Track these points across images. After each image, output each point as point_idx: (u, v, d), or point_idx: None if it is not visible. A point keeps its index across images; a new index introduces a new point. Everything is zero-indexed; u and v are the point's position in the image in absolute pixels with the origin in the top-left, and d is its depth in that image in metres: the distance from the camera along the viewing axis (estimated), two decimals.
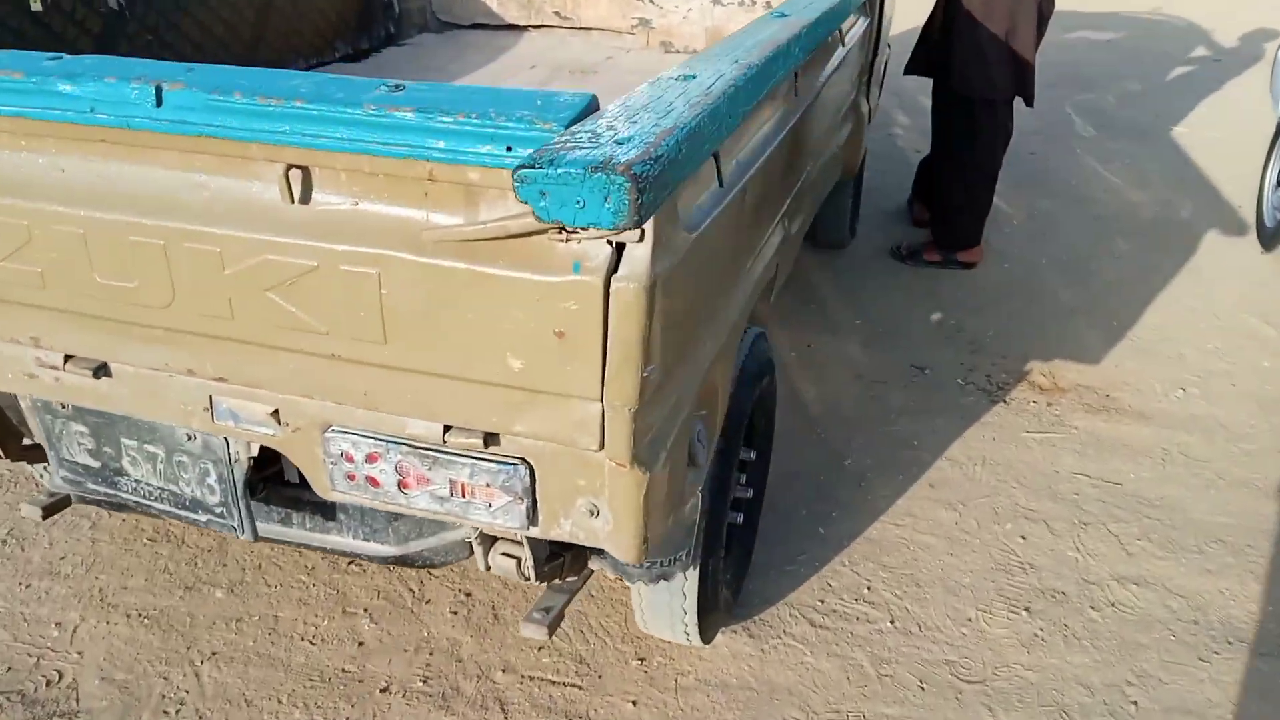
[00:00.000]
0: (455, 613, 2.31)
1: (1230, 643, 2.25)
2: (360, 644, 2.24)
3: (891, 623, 2.30)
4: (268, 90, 1.08)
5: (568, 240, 1.08)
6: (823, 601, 2.36)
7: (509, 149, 1.00)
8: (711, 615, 2.02)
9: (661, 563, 1.77)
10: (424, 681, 2.14)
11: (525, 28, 3.58)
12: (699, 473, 1.59)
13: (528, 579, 1.64)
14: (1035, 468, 2.82)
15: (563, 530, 1.32)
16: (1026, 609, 2.35)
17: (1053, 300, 3.78)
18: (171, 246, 1.24)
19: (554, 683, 2.14)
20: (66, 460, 1.68)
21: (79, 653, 2.22)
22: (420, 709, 2.07)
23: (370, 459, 1.33)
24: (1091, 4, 8.53)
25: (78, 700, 2.11)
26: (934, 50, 3.68)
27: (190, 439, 1.53)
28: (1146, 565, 2.47)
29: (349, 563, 2.42)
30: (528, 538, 1.57)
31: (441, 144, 1.03)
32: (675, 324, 1.21)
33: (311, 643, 2.24)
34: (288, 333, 1.24)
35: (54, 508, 1.95)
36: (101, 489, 1.68)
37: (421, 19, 3.63)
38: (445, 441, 1.27)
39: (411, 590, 2.35)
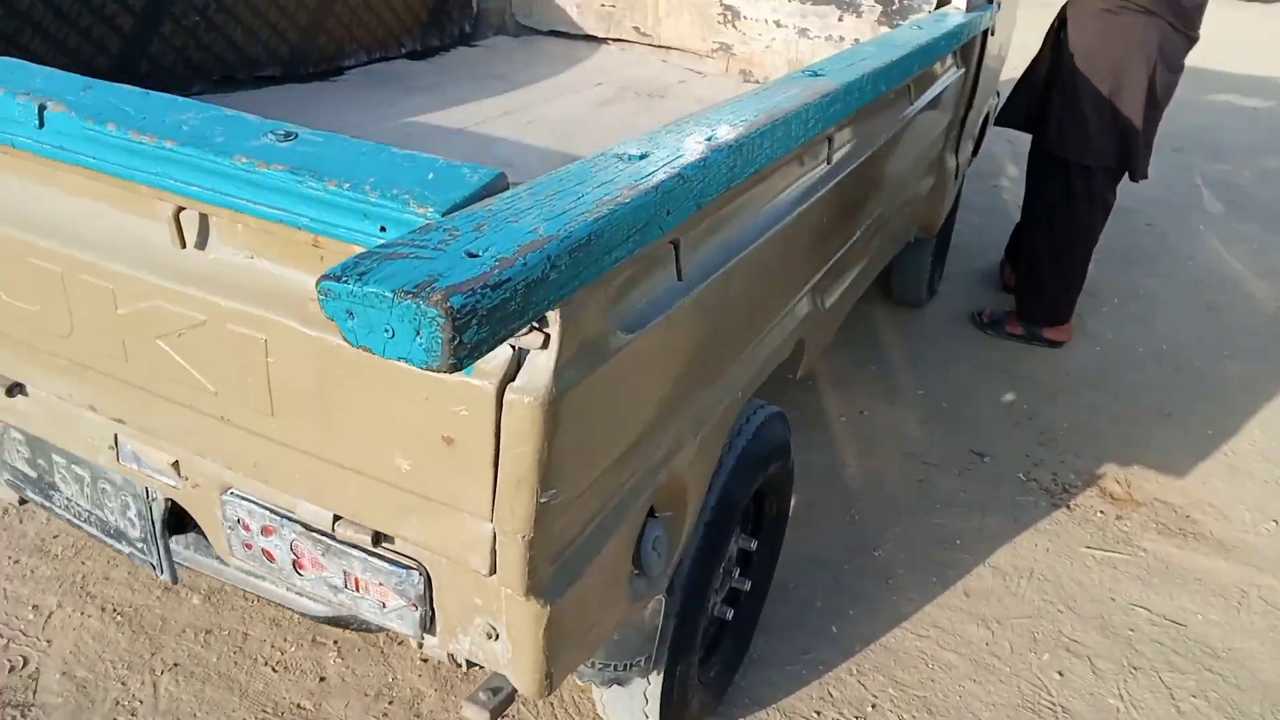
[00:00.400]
0: (425, 660, 2.18)
1: None
2: (322, 679, 2.13)
3: None
4: (146, 125, 0.95)
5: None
6: (818, 714, 2.13)
7: (383, 229, 0.84)
8: (684, 716, 1.82)
9: (615, 666, 1.59)
10: None
11: (603, 40, 3.43)
12: (652, 582, 1.40)
13: (458, 665, 1.48)
14: (1089, 591, 2.53)
15: (461, 647, 1.16)
16: None
17: (1143, 396, 3.44)
18: (68, 276, 1.12)
19: None
20: (8, 464, 1.60)
21: (48, 641, 2.16)
22: None
23: (265, 532, 1.19)
24: (1240, 65, 7.93)
25: (35, 693, 2.05)
26: (1032, 103, 3.39)
27: (121, 479, 1.43)
28: None
29: None
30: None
31: (309, 214, 0.88)
32: (598, 437, 1.04)
33: (274, 669, 2.14)
34: (180, 385, 1.11)
35: (25, 499, 1.89)
36: (39, 499, 1.60)
37: (499, 20, 3.52)
38: (334, 531, 1.12)
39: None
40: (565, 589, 1.08)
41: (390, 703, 2.08)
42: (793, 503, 2.63)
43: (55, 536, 2.44)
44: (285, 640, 2.21)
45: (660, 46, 3.33)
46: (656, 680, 1.68)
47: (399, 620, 1.16)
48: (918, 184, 2.76)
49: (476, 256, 0.68)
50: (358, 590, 1.17)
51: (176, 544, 1.47)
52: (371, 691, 2.10)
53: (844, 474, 2.90)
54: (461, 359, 0.66)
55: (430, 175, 0.88)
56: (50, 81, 1.04)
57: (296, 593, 1.47)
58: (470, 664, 1.46)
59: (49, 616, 2.22)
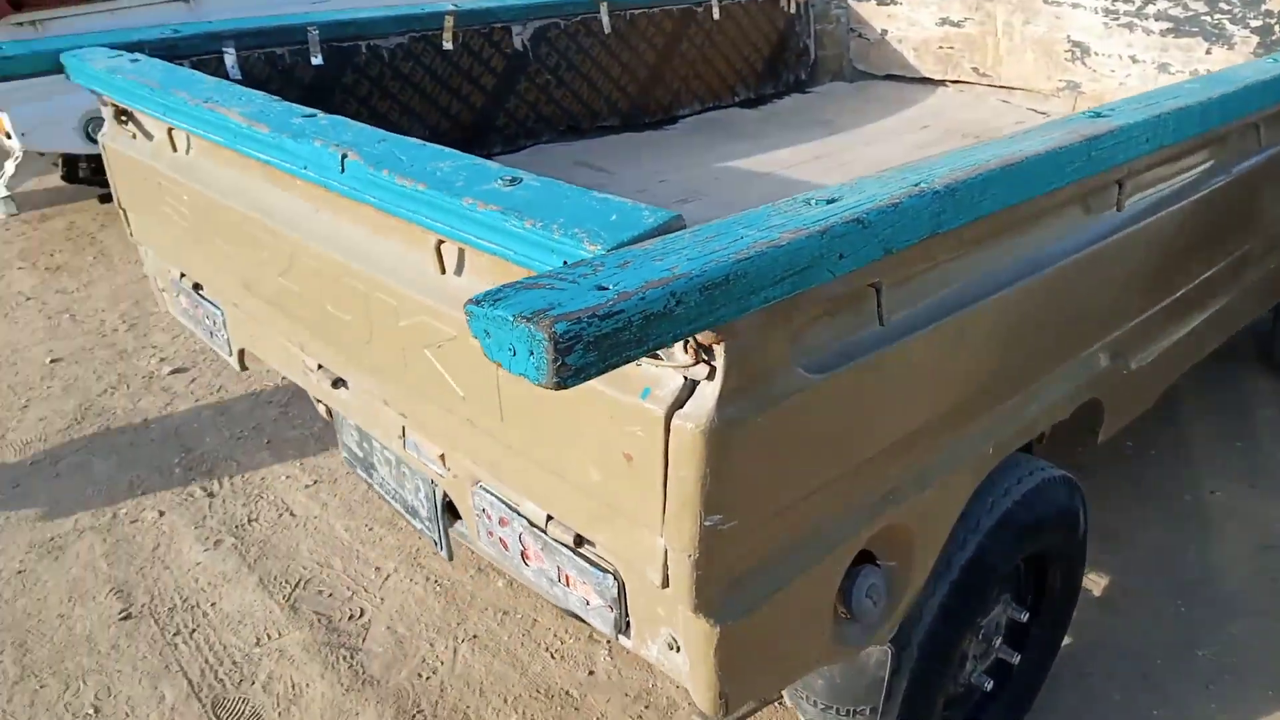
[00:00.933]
0: None
1: None
2: (591, 673, 2.30)
3: None
4: (410, 171, 1.14)
5: (651, 363, 1.01)
6: None
7: (565, 263, 0.95)
8: None
9: (838, 710, 1.58)
10: None
11: (941, 82, 3.35)
12: (867, 630, 1.38)
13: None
14: None
15: (651, 654, 1.23)
16: None
17: None
18: (369, 293, 1.37)
19: None
20: (345, 446, 1.95)
21: (381, 599, 2.56)
22: None
23: (502, 523, 1.35)
24: None
25: (364, 640, 2.44)
26: None
27: (413, 472, 1.69)
28: None
29: None
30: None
31: (514, 249, 1.01)
32: (778, 471, 1.06)
33: (553, 656, 2.36)
34: (441, 389, 1.31)
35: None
36: (364, 475, 1.93)
37: (836, 66, 3.56)
38: (546, 529, 1.25)
39: None
40: (742, 614, 1.12)
41: (646, 707, 2.20)
42: (1105, 586, 2.42)
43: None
44: (566, 632, 2.42)
45: (1001, 87, 3.19)
46: None
47: (599, 619, 1.26)
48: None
49: (605, 289, 0.77)
50: (567, 585, 1.29)
51: (458, 527, 1.71)
52: (632, 693, 2.24)
53: (1176, 559, 2.57)
54: (566, 379, 0.75)
55: (613, 216, 0.98)
56: (358, 135, 1.30)
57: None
58: None
59: (386, 579, 2.63)
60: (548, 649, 2.38)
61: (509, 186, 1.08)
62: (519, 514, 1.31)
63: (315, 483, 3.05)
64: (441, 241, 1.20)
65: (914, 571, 1.43)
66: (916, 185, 1.05)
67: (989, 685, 1.87)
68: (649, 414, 0.99)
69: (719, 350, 0.97)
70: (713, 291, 0.82)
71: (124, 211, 2.14)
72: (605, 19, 2.90)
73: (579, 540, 1.22)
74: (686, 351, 0.98)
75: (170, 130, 1.77)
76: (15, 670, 2.37)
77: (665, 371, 1.00)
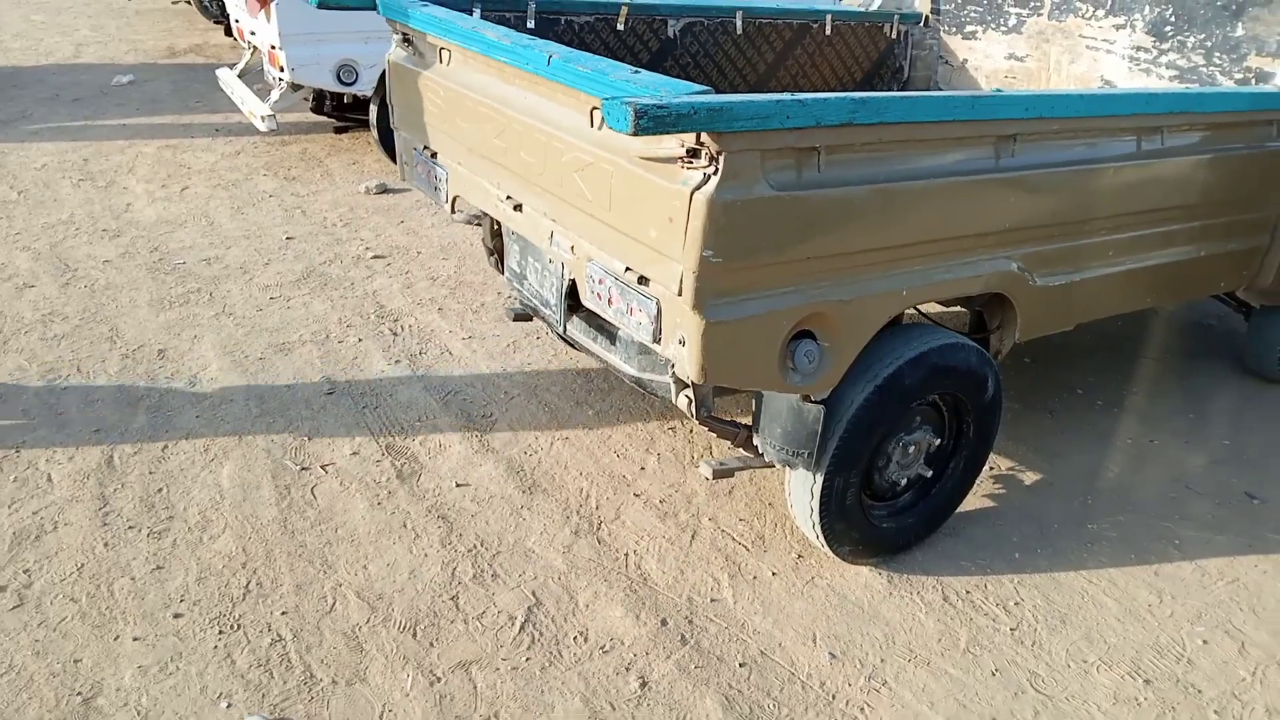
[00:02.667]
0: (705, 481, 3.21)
1: None
2: (642, 469, 3.25)
3: (1012, 630, 2.63)
4: (584, 63, 2.12)
5: (684, 167, 1.97)
6: (968, 594, 2.76)
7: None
8: (838, 527, 2.63)
9: (788, 451, 2.49)
10: (662, 502, 3.09)
11: None
12: (803, 377, 2.29)
13: (694, 416, 2.52)
14: None
15: (669, 351, 2.17)
16: (1146, 681, 2.48)
17: None
18: (548, 142, 2.37)
19: (738, 541, 2.92)
20: (509, 267, 2.98)
21: (506, 409, 3.58)
22: (650, 515, 3.03)
23: (600, 281, 2.33)
24: None
25: (490, 429, 3.45)
26: None
27: (550, 261, 2.70)
28: None
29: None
30: (695, 387, 2.45)
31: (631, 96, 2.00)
32: (747, 237, 1.98)
33: (618, 456, 3.31)
34: (581, 198, 2.29)
35: (520, 317, 3.35)
36: (518, 286, 2.95)
37: (924, 85, 4.36)
38: (623, 276, 2.22)
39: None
40: (719, 318, 2.03)
41: (676, 491, 3.14)
42: (1034, 479, 3.22)
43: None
44: (631, 443, 3.37)
45: None
46: (819, 479, 2.52)
47: (643, 331, 2.20)
48: (1222, 235, 3.14)
49: (662, 103, 1.71)
50: (630, 315, 2.24)
51: (573, 323, 2.71)
52: (667, 483, 3.18)
53: (1099, 475, 3.34)
54: (638, 131, 1.69)
55: (679, 86, 1.94)
56: (556, 48, 2.29)
57: (614, 340, 2.63)
58: (696, 414, 2.47)
59: (512, 399, 3.63)
60: (615, 451, 3.35)
61: (634, 74, 2.05)
62: (609, 274, 2.28)
63: (470, 337, 4.12)
64: (595, 107, 2.18)
65: (839, 353, 2.32)
66: (846, 95, 1.98)
67: (903, 483, 2.73)
68: (682, 192, 1.94)
69: (721, 160, 1.91)
70: (714, 112, 1.78)
71: (392, 106, 3.24)
72: (739, 23, 3.88)
73: (642, 279, 2.18)
74: (703, 158, 1.93)
75: (441, 48, 2.84)
76: (256, 409, 3.51)
77: (693, 172, 1.95)
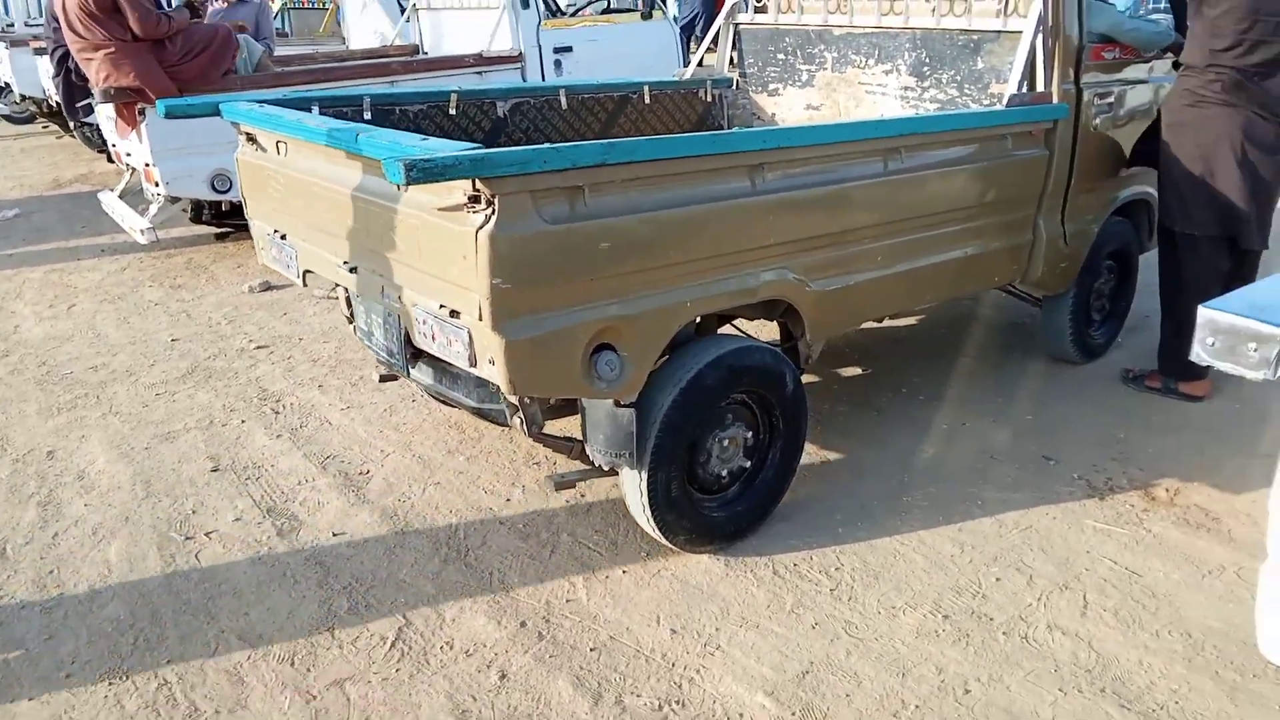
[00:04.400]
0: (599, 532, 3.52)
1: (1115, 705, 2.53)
2: (508, 500, 3.56)
3: (832, 590, 2.98)
4: (381, 139, 2.51)
5: (469, 211, 2.34)
6: (795, 566, 3.10)
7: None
8: (669, 518, 2.96)
9: (611, 453, 2.83)
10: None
11: None
12: (609, 385, 2.64)
13: (527, 434, 2.85)
14: (1070, 545, 3.15)
15: (484, 370, 2.52)
16: (945, 616, 2.85)
17: (1255, 442, 3.77)
18: (368, 208, 2.73)
19: (593, 549, 3.23)
20: (358, 328, 3.32)
21: (382, 465, 3.85)
22: (516, 542, 3.33)
23: (424, 322, 2.67)
24: None
25: (367, 484, 3.73)
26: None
27: (387, 314, 3.04)
28: (1093, 627, 2.77)
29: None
30: (524, 408, 2.79)
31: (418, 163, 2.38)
32: (532, 264, 2.35)
33: (485, 492, 3.61)
34: (398, 252, 2.64)
35: (386, 378, 3.66)
36: (370, 347, 3.28)
37: None
38: (439, 313, 2.57)
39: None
40: (517, 336, 2.37)
41: (539, 531, 3.45)
42: (854, 463, 3.61)
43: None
44: (499, 480, 3.67)
45: None
46: (644, 476, 2.87)
47: (460, 358, 2.54)
48: (986, 236, 3.64)
49: (432, 158, 2.09)
50: (450, 345, 2.57)
51: (418, 368, 3.05)
52: (527, 523, 3.48)
53: (914, 456, 3.75)
54: (410, 180, 2.06)
55: (458, 150, 2.32)
56: (362, 129, 2.67)
57: (456, 379, 2.97)
58: (528, 432, 2.81)
59: (387, 456, 3.91)
60: (484, 488, 3.64)
61: (423, 140, 2.43)
62: (430, 313, 2.62)
63: (348, 408, 4.39)
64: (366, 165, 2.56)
65: (638, 360, 2.68)
66: (597, 142, 2.39)
67: (727, 476, 3.09)
68: (469, 233, 2.29)
69: (497, 202, 2.29)
70: (476, 162, 2.16)
71: (245, 199, 3.58)
72: (563, 99, 4.34)
73: (453, 313, 2.53)
74: (483, 203, 2.31)
75: (277, 141, 3.20)
76: (142, 492, 3.73)
77: (476, 215, 2.32)
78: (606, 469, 2.90)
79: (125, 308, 5.94)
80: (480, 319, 2.39)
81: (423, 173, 2.07)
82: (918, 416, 4.08)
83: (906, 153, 3.19)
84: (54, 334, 5.54)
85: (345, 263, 3.00)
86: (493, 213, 2.29)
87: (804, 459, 3.43)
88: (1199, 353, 1.43)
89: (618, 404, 2.76)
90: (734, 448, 3.10)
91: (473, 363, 2.54)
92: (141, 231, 5.96)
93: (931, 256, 3.46)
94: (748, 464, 3.15)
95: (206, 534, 3.42)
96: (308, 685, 2.67)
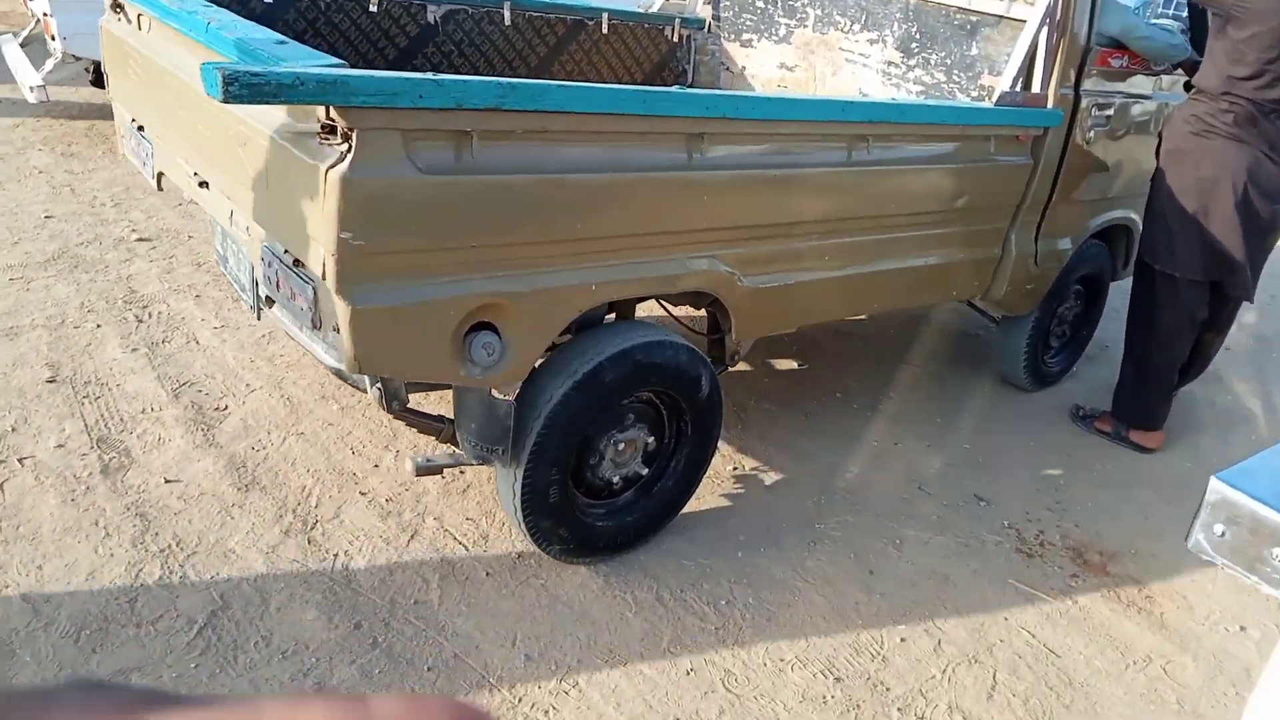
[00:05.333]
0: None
1: None
2: (376, 465, 3.12)
3: (717, 629, 2.62)
4: (234, 27, 2.00)
5: (320, 143, 1.86)
6: (681, 591, 2.73)
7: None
8: (544, 525, 2.56)
9: (481, 446, 2.40)
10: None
11: None
12: (484, 371, 2.21)
13: (385, 409, 2.41)
14: (987, 607, 2.83)
15: (329, 340, 2.07)
16: (838, 679, 2.50)
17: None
18: (218, 114, 2.24)
19: (459, 540, 2.82)
20: (215, 249, 2.81)
21: (244, 402, 3.38)
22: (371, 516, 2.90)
23: (269, 265, 2.20)
24: None
25: (221, 424, 3.26)
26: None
27: (239, 243, 2.55)
28: (998, 715, 2.46)
29: None
30: (382, 382, 2.35)
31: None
32: (395, 221, 1.90)
33: (354, 452, 3.17)
34: (246, 175, 2.16)
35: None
36: (223, 269, 2.79)
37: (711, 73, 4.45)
38: (283, 259, 2.10)
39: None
40: (367, 304, 1.92)
41: (406, 490, 3.02)
42: (773, 480, 3.23)
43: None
44: (372, 441, 3.23)
45: None
46: (519, 475, 2.45)
47: (302, 317, 2.09)
48: (950, 246, 3.24)
49: (264, 71, 1.62)
50: (294, 299, 2.12)
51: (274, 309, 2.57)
52: (397, 484, 3.06)
53: (838, 475, 3.39)
54: (227, 98, 1.59)
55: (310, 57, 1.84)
56: (220, 14, 2.16)
57: (294, 321, 2.50)
58: (384, 407, 2.37)
59: (252, 392, 3.44)
60: (351, 447, 3.20)
61: (280, 44, 1.93)
62: (276, 255, 2.15)
63: (222, 326, 3.89)
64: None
65: (523, 346, 2.25)
66: (495, 80, 1.91)
67: (619, 481, 2.69)
68: (317, 169, 1.83)
69: (355, 137, 1.81)
70: (325, 85, 1.68)
71: (105, 74, 3.02)
72: (507, 13, 3.80)
73: (297, 262, 2.06)
74: (338, 136, 1.83)
75: (139, 14, 2.65)
76: None
77: (329, 149, 1.85)
78: (476, 462, 2.47)
79: (3, 171, 5.30)
80: (324, 276, 1.93)
81: (247, 90, 1.60)
82: (848, 428, 3.72)
83: (876, 142, 2.76)
84: None
85: (195, 174, 2.49)
86: (349, 149, 1.82)
87: (716, 459, 3.05)
88: (1200, 540, 1.03)
89: (496, 392, 2.33)
90: (631, 452, 2.70)
91: (316, 324, 2.08)
92: (31, 89, 5.29)
93: (887, 262, 3.06)
94: (645, 471, 2.75)
95: (20, 459, 2.95)
96: (86, 672, 2.24)
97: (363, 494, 2.98)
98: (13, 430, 3.08)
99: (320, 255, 1.91)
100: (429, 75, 1.83)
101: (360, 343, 1.99)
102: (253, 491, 2.93)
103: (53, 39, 5.25)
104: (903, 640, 2.66)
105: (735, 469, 3.34)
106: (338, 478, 3.04)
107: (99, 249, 4.48)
